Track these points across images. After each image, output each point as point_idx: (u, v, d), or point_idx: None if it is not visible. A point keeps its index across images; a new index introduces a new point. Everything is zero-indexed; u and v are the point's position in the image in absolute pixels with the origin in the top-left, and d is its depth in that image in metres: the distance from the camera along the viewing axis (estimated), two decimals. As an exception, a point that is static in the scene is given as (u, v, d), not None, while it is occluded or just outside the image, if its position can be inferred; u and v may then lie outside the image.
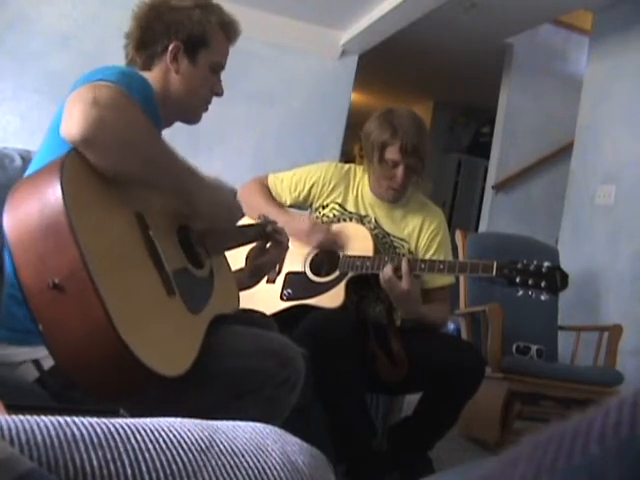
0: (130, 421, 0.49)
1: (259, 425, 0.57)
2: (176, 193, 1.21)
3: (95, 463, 0.43)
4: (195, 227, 1.29)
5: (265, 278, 1.83)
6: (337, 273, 1.92)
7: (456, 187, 6.98)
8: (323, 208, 2.07)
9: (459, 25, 4.62)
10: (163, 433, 0.49)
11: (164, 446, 0.48)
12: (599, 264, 3.62)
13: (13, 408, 0.54)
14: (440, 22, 4.42)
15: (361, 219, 2.03)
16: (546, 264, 1.69)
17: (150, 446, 0.47)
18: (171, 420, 0.52)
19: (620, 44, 3.81)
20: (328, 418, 1.79)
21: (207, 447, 0.50)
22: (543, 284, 1.66)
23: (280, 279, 1.98)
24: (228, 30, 1.44)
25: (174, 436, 0.49)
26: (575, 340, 3.15)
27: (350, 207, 2.05)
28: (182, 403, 1.04)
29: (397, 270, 1.78)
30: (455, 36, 4.91)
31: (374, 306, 1.99)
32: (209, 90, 1.45)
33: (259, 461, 0.51)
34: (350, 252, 1.92)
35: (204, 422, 0.54)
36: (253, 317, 1.57)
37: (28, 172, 1.20)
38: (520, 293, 1.70)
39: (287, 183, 2.09)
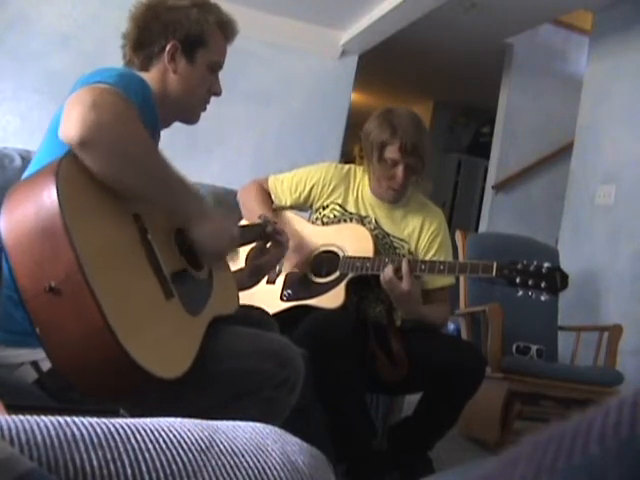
0: (130, 421, 0.49)
1: (259, 425, 0.57)
2: (170, 211, 1.20)
3: (95, 463, 0.43)
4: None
5: (265, 278, 1.84)
6: (337, 274, 1.92)
7: (456, 187, 6.98)
8: (323, 209, 2.07)
9: (459, 25, 4.62)
10: (163, 433, 0.49)
11: (164, 446, 0.48)
12: (599, 264, 3.62)
13: (13, 408, 0.54)
14: (440, 22, 4.42)
15: (361, 220, 2.03)
16: (546, 264, 1.69)
17: (150, 446, 0.47)
18: (171, 420, 0.52)
19: (620, 44, 3.81)
20: (328, 418, 1.79)
21: (207, 447, 0.50)
22: (543, 284, 1.66)
23: (280, 279, 1.98)
24: (226, 29, 1.44)
25: (174, 436, 0.49)
26: (575, 340, 3.15)
27: (350, 208, 2.05)
28: (181, 404, 1.04)
29: (398, 271, 1.78)
30: (455, 36, 4.91)
31: (374, 306, 1.99)
32: (207, 90, 1.44)
33: (259, 461, 0.51)
34: (350, 253, 1.92)
35: (204, 422, 0.54)
36: (253, 315, 1.57)
37: (27, 173, 1.20)
38: (520, 293, 1.70)
39: (287, 184, 2.09)
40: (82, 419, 0.47)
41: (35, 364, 1.06)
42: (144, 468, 0.45)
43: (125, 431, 0.47)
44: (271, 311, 1.74)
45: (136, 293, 1.04)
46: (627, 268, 3.43)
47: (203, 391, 1.19)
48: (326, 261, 1.97)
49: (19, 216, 0.95)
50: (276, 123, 4.31)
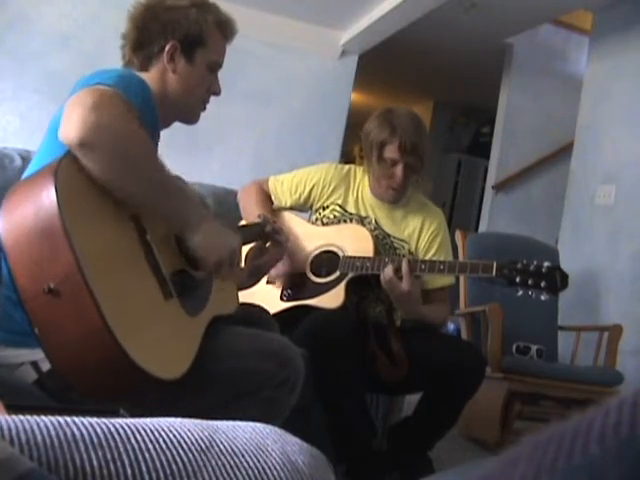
0: (130, 421, 0.49)
1: (259, 425, 0.57)
2: (168, 216, 1.18)
3: (95, 463, 0.43)
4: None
5: (265, 278, 1.84)
6: (337, 274, 1.92)
7: (456, 187, 6.98)
8: (323, 209, 2.07)
9: (459, 25, 4.62)
10: (163, 433, 0.49)
11: (164, 446, 0.48)
12: (599, 264, 3.62)
13: (13, 408, 0.54)
14: (440, 22, 4.42)
15: (361, 220, 2.03)
16: (546, 264, 1.69)
17: (150, 446, 0.47)
18: (171, 420, 0.52)
19: (620, 44, 3.81)
20: (328, 418, 1.79)
21: (207, 447, 0.50)
22: (543, 284, 1.66)
23: (280, 279, 1.98)
24: (225, 29, 1.44)
25: (174, 436, 0.49)
26: (575, 340, 3.15)
27: (350, 208, 2.05)
28: (181, 404, 1.04)
29: (398, 271, 1.78)
30: (455, 36, 4.91)
31: (374, 306, 1.99)
32: (207, 89, 1.44)
33: (259, 461, 0.51)
34: (350, 253, 1.93)
35: (204, 422, 0.54)
36: (252, 314, 1.57)
37: (26, 173, 1.20)
38: (520, 293, 1.70)
39: (287, 185, 2.09)
40: (82, 419, 0.47)
41: (35, 364, 1.06)
42: (144, 468, 0.45)
43: (125, 431, 0.47)
44: (271, 311, 1.74)
45: (135, 294, 1.04)
46: (627, 268, 3.43)
47: (203, 391, 1.19)
48: (326, 261, 1.97)
49: (18, 216, 0.95)
50: (276, 123, 4.31)
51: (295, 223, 2.07)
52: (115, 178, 1.04)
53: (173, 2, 1.37)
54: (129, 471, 0.44)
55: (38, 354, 1.02)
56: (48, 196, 0.93)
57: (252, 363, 1.25)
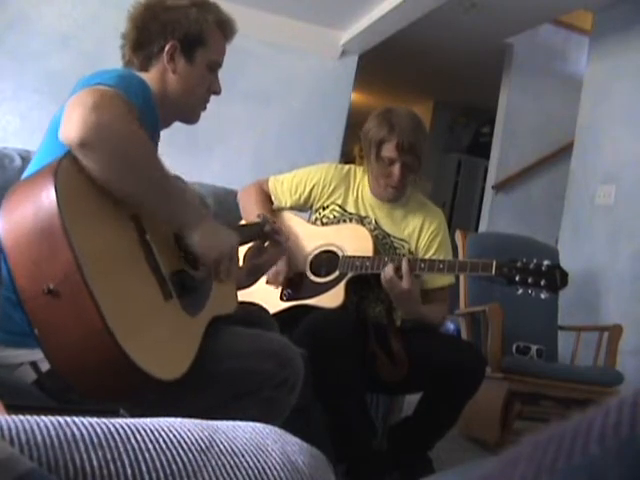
0: (130, 421, 0.49)
1: (259, 425, 0.57)
2: (167, 216, 1.18)
3: (95, 463, 0.43)
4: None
5: (265, 278, 1.84)
6: (337, 273, 1.92)
7: (456, 187, 6.98)
8: (323, 209, 2.07)
9: (459, 25, 4.62)
10: (163, 433, 0.49)
11: (164, 446, 0.48)
12: (599, 264, 3.62)
13: (13, 408, 0.54)
14: (440, 22, 4.42)
15: (361, 220, 2.03)
16: (546, 262, 1.69)
17: (150, 446, 0.47)
18: (171, 420, 0.52)
19: (620, 44, 3.81)
20: (328, 418, 1.79)
21: (207, 447, 0.50)
22: (543, 282, 1.66)
23: (280, 279, 1.98)
24: (225, 29, 1.44)
25: (174, 436, 0.49)
26: (575, 340, 3.15)
27: (350, 208, 2.05)
28: (181, 404, 1.04)
29: (398, 270, 1.79)
30: (455, 36, 4.91)
31: (374, 306, 1.99)
32: (207, 89, 1.44)
33: (259, 461, 0.51)
34: (350, 253, 1.93)
35: (204, 422, 0.54)
36: (252, 313, 1.57)
37: (26, 173, 1.20)
38: (520, 292, 1.70)
39: (287, 185, 2.09)
40: (82, 419, 0.47)
41: (34, 365, 1.06)
42: (144, 468, 0.45)
43: (125, 431, 0.47)
44: (271, 311, 1.74)
45: (135, 294, 1.04)
46: (627, 268, 3.43)
47: (203, 391, 1.19)
48: (326, 261, 1.97)
49: (18, 217, 0.95)
50: (276, 123, 4.31)
51: (295, 223, 2.07)
52: (115, 178, 1.04)
53: (173, 2, 1.37)
54: (129, 471, 0.44)
55: (37, 354, 1.02)
56: (48, 196, 0.93)
57: (252, 363, 1.25)
